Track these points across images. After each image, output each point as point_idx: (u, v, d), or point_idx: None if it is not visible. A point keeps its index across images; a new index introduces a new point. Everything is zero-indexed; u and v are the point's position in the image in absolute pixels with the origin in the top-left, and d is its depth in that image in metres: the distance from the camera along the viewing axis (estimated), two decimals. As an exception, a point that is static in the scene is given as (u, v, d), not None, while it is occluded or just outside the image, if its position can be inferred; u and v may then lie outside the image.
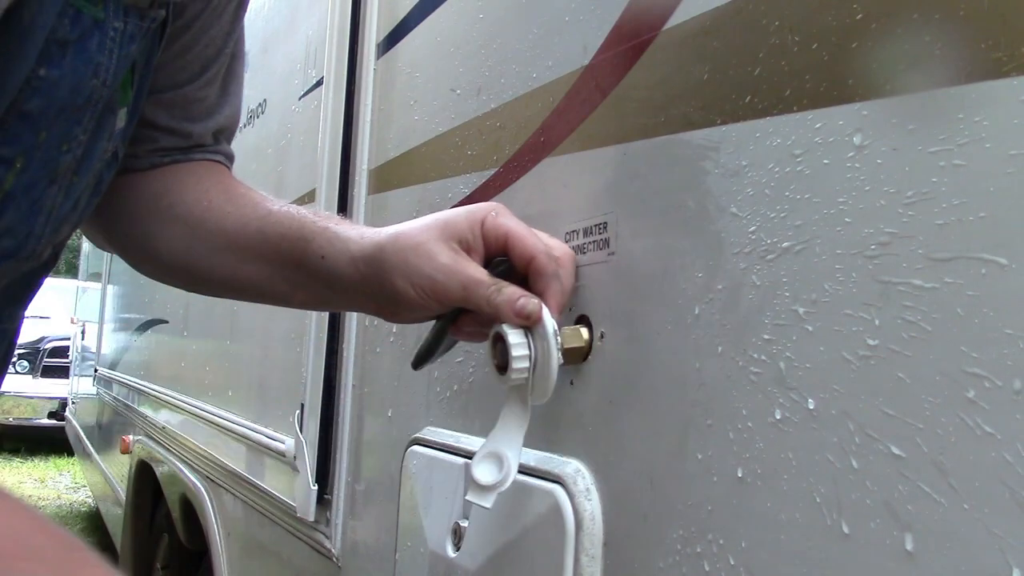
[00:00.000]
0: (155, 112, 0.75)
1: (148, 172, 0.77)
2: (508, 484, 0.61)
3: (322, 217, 0.73)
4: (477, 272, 0.62)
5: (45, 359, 7.35)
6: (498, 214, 0.64)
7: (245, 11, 0.80)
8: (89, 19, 0.58)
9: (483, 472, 0.61)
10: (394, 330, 1.02)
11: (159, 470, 2.41)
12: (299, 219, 0.72)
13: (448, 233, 0.64)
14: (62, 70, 0.57)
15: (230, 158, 0.84)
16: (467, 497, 0.63)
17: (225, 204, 0.77)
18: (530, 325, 0.60)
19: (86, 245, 5.62)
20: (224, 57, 0.79)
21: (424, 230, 0.65)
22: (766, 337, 0.49)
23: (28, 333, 7.46)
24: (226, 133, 0.83)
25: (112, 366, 3.57)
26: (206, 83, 0.78)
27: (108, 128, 0.65)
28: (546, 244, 0.64)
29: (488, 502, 0.61)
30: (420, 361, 0.69)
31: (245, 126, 1.82)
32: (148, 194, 0.77)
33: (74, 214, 0.66)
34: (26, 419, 7.19)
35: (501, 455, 0.61)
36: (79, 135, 0.61)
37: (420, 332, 0.95)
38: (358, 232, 0.70)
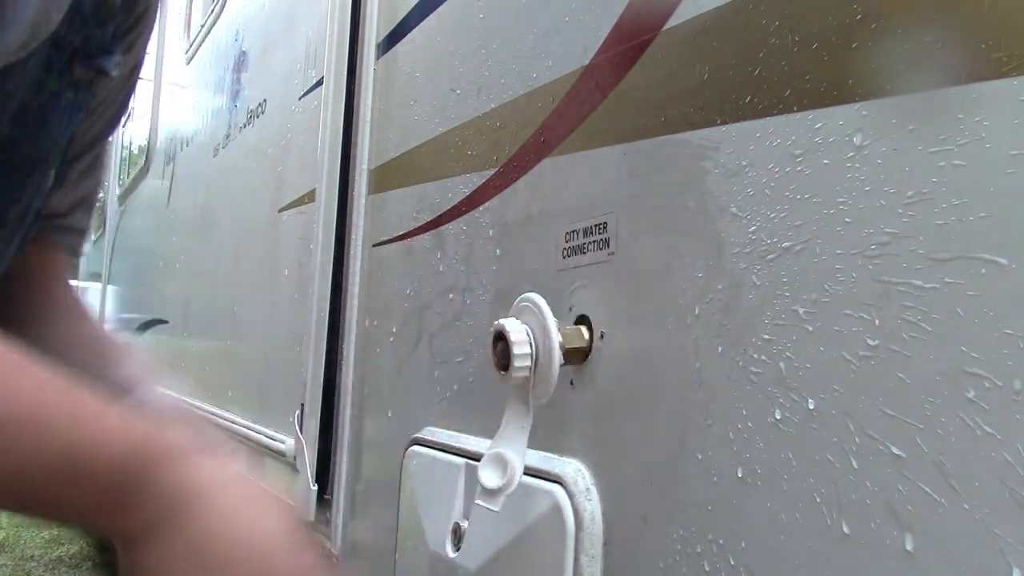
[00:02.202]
0: None
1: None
2: (515, 486, 0.61)
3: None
4: None
5: (45, 359, 7.33)
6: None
7: (135, 88, 0.85)
8: (49, 89, 0.64)
9: (489, 476, 0.61)
10: (394, 330, 1.02)
11: (159, 470, 2.41)
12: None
13: None
14: (24, 131, 0.62)
15: (81, 233, 0.86)
16: (476, 501, 0.64)
17: (59, 314, 0.80)
18: None
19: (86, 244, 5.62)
20: (115, 129, 0.84)
21: None
22: (766, 337, 0.49)
23: (28, 333, 7.44)
24: (85, 203, 0.86)
25: (112, 366, 3.56)
26: (95, 154, 0.83)
27: (44, 186, 0.70)
28: None
29: (496, 505, 0.62)
30: None
31: (245, 126, 1.83)
32: None
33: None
34: (26, 419, 7.17)
35: (506, 458, 0.62)
36: (25, 190, 0.66)
37: (420, 332, 0.95)
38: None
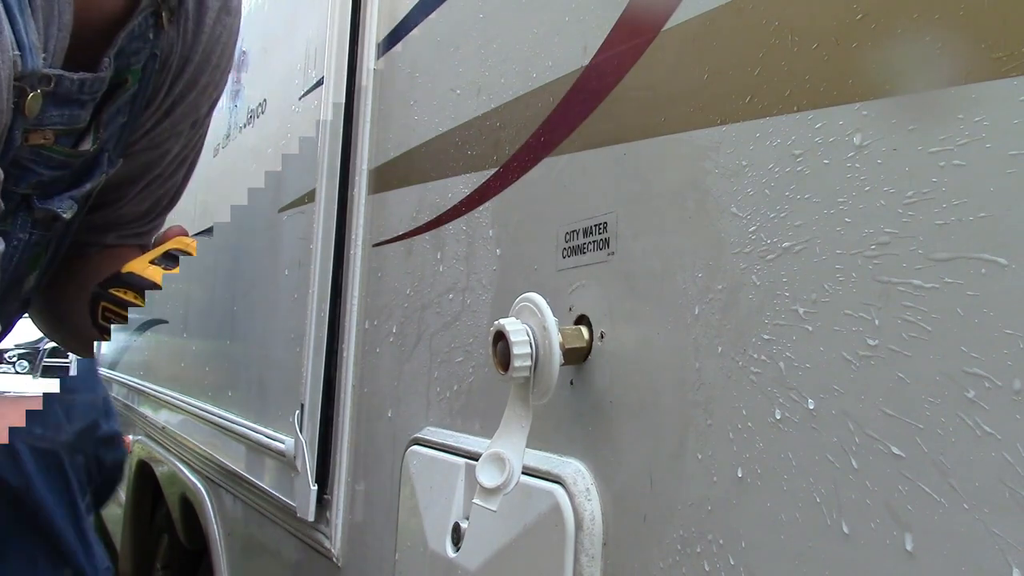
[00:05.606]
0: (115, 215, 0.91)
1: (91, 256, 0.90)
2: (513, 486, 0.61)
3: None
4: None
5: (45, 359, 7.36)
6: None
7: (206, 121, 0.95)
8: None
9: (487, 475, 0.61)
10: (394, 330, 1.02)
11: (159, 470, 2.41)
12: None
13: None
14: None
15: (149, 232, 0.99)
16: (474, 501, 0.64)
17: None
18: None
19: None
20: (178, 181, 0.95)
21: None
22: (766, 337, 0.49)
23: (28, 333, 7.46)
24: (149, 213, 0.99)
25: (112, 366, 3.57)
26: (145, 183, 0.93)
27: (16, 292, 0.78)
28: None
29: (494, 505, 0.62)
30: None
31: (245, 126, 1.83)
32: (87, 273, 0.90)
33: None
34: (26, 419, 7.19)
35: (504, 457, 0.62)
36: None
37: (420, 332, 0.95)
38: None
